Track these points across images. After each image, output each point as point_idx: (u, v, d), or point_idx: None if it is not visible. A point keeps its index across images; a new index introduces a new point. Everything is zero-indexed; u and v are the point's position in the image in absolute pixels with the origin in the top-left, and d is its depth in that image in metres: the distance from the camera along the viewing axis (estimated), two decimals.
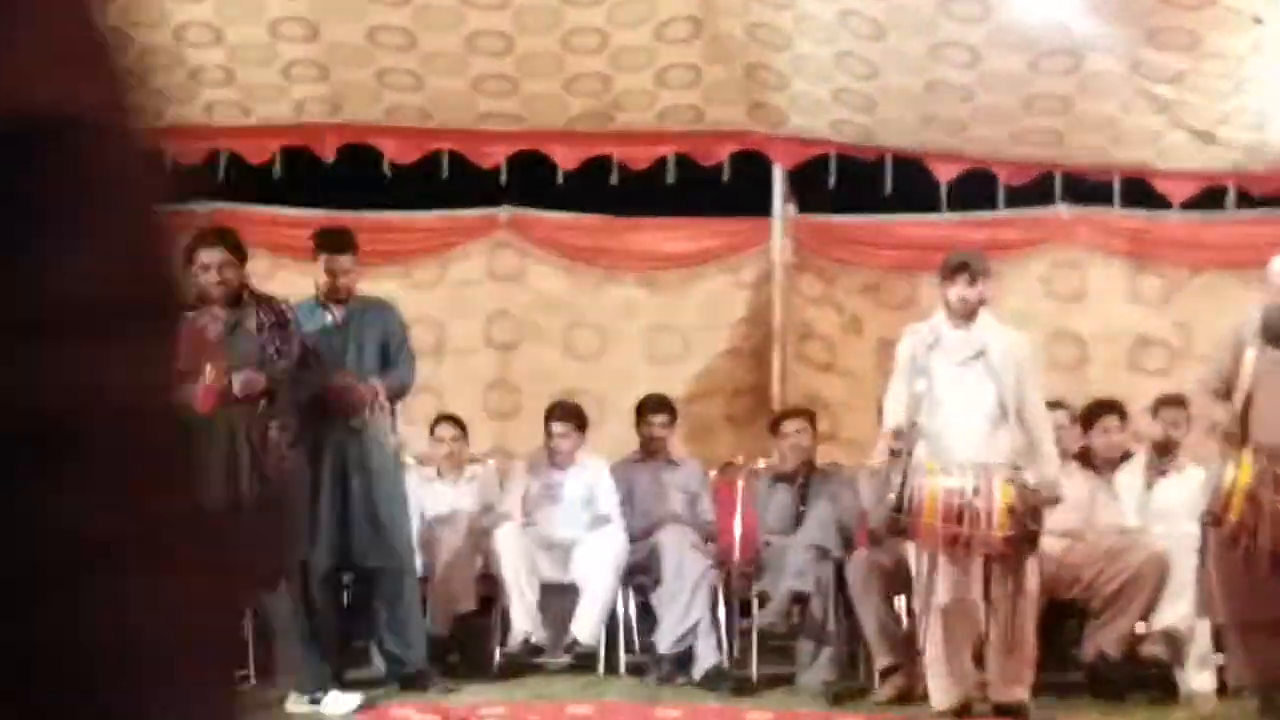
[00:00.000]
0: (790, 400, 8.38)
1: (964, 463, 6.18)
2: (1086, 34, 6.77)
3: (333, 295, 6.97)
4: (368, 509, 6.82)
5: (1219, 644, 6.65)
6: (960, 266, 6.41)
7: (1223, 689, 6.69)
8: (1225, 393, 6.36)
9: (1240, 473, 6.09)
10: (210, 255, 6.42)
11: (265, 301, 6.59)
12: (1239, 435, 6.23)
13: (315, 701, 6.44)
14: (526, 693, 6.80)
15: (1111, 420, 7.40)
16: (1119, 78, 7.12)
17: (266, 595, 6.51)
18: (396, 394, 7.06)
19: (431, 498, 7.65)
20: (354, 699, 6.44)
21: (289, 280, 8.40)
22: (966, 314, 6.40)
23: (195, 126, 8.16)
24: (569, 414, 7.64)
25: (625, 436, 8.03)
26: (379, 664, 6.98)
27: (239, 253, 6.53)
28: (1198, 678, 6.69)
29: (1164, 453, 7.17)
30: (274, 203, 8.66)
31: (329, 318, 6.98)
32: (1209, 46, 6.62)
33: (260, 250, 8.71)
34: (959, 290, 6.39)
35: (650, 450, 7.77)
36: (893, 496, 6.16)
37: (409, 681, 6.82)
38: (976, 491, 6.09)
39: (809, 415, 7.74)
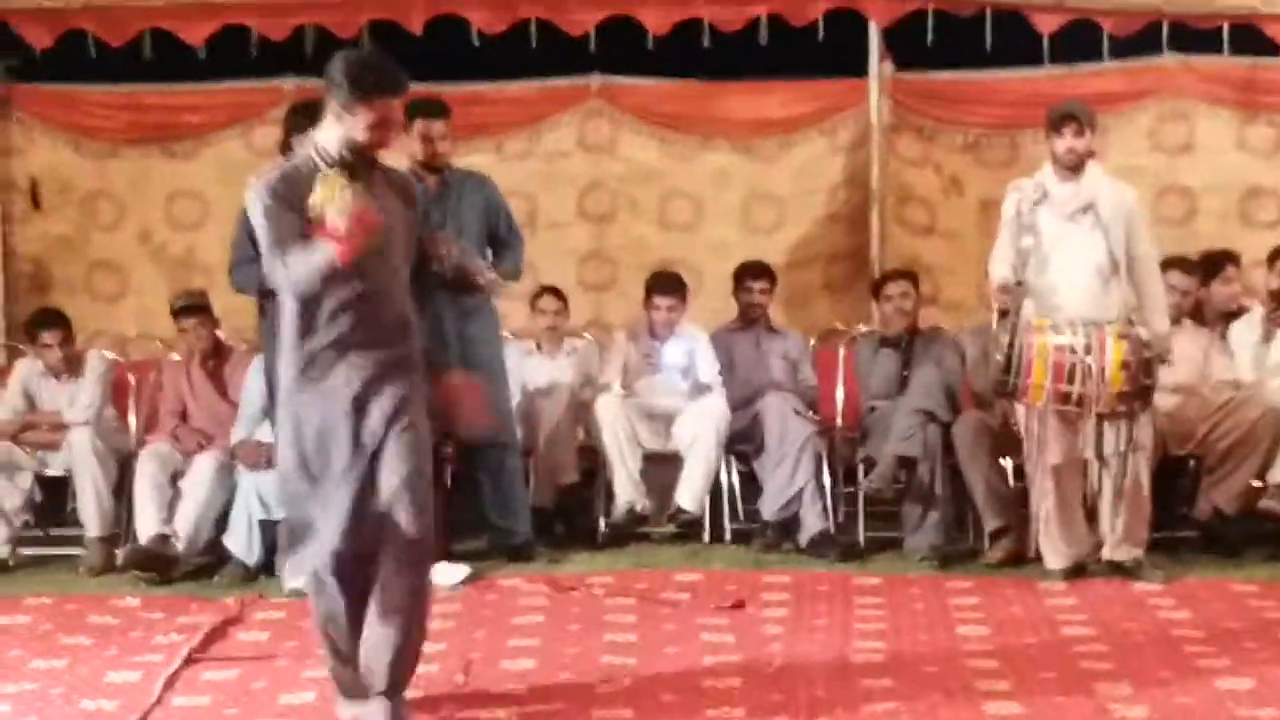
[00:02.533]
0: (890, 265, 8.25)
1: (1074, 319, 6.07)
2: None
3: (428, 163, 6.89)
4: None
5: None
6: (1068, 117, 6.24)
7: None
8: None
9: None
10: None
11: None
12: None
13: None
14: (632, 561, 6.81)
15: (1232, 269, 7.25)
16: None
17: None
18: (512, 277, 7.00)
19: (531, 371, 7.64)
20: (462, 570, 6.47)
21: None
22: (1074, 166, 6.24)
23: (282, 2, 8.08)
24: (673, 286, 7.54)
25: (721, 306, 7.96)
26: (485, 536, 7.00)
27: None
28: None
29: None
30: None
31: (423, 188, 6.92)
32: None
33: None
34: (1067, 141, 6.22)
35: (750, 318, 7.69)
36: (1000, 357, 6.07)
37: (515, 553, 6.85)
38: (1088, 349, 5.98)
39: (912, 277, 7.61)
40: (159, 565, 6.64)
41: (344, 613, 4.48)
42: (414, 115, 6.90)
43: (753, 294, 7.64)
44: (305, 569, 4.56)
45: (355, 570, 4.41)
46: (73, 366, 7.31)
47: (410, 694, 4.78)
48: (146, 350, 8.38)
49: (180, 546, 6.71)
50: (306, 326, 4.41)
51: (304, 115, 6.63)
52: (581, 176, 8.72)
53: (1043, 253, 6.18)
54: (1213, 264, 7.29)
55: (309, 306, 4.39)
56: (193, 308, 7.28)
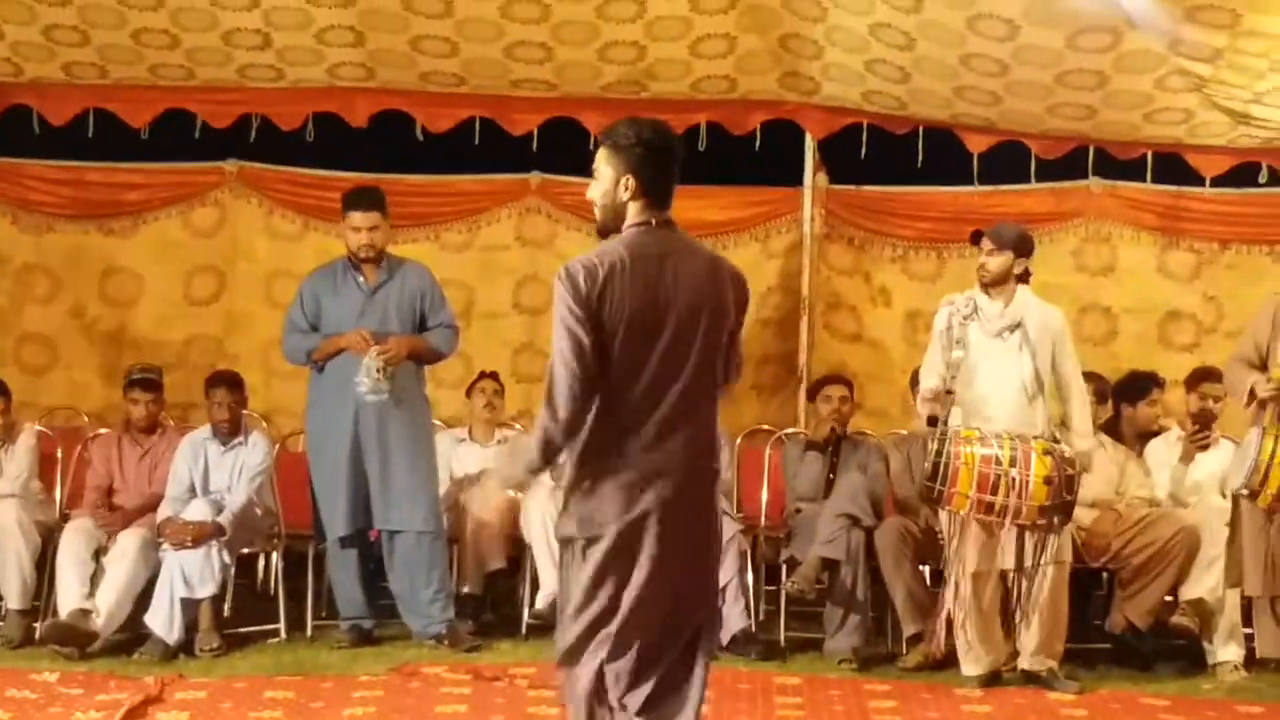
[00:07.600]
0: (817, 370, 8.40)
1: (1000, 432, 6.21)
2: (1127, 11, 6.71)
3: (363, 255, 6.95)
4: (385, 474, 6.84)
5: (1247, 617, 6.68)
6: (978, 235, 6.53)
7: (1250, 661, 6.74)
8: (1260, 366, 6.37)
9: (1278, 445, 6.11)
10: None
11: None
12: (1277, 409, 6.24)
13: None
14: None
15: (1156, 392, 7.44)
16: (1156, 56, 7.06)
17: None
18: (427, 358, 7.05)
19: (461, 459, 7.67)
20: None
21: (319, 243, 8.43)
22: (988, 282, 6.48)
23: (227, 88, 8.09)
24: None
25: None
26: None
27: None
28: (1225, 649, 6.73)
29: (1203, 426, 7.18)
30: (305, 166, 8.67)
31: (360, 279, 6.98)
32: (1247, 25, 6.56)
33: (290, 211, 8.76)
34: (980, 258, 6.48)
35: None
36: (928, 465, 6.19)
37: (438, 640, 6.85)
38: (1014, 461, 6.11)
39: (848, 383, 7.76)
40: (77, 640, 6.59)
41: None
42: (349, 206, 6.99)
43: None
44: None
45: None
46: (10, 435, 7.29)
47: None
48: (72, 423, 8.34)
49: (100, 621, 6.67)
50: None
51: None
52: (518, 269, 8.83)
53: (971, 366, 6.34)
54: (1138, 386, 7.49)
55: None
56: (148, 382, 7.28)
